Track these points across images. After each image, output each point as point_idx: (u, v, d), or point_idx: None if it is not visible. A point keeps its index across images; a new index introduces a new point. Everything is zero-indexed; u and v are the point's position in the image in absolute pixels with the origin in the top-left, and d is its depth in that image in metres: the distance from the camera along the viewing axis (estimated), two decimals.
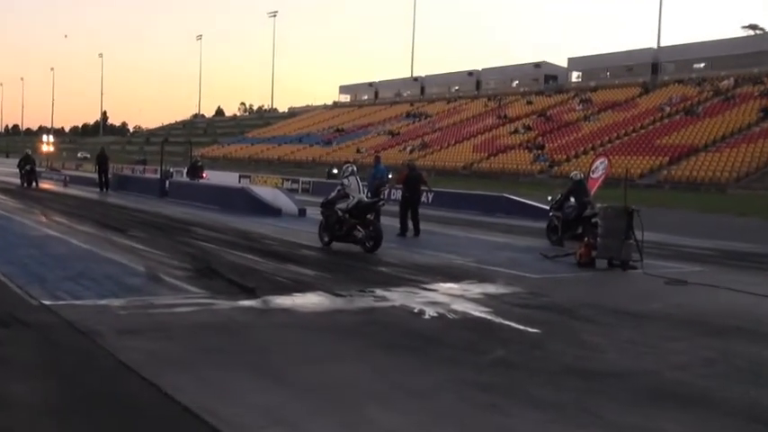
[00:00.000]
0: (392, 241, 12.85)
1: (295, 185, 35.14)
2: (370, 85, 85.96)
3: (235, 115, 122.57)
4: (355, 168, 12.40)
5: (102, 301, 6.73)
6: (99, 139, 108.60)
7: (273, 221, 16.57)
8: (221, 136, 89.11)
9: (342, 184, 11.97)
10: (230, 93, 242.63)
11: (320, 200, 12.67)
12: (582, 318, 6.95)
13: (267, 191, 21.38)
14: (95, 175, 29.10)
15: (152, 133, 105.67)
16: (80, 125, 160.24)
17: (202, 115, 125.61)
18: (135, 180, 31.39)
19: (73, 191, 27.14)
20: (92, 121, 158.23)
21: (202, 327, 5.91)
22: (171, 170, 37.54)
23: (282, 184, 35.62)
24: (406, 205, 14.51)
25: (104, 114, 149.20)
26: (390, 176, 17.04)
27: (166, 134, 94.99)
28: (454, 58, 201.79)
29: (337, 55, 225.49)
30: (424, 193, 16.41)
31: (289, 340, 5.63)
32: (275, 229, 14.70)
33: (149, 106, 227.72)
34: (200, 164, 31.88)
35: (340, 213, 11.62)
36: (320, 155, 62.36)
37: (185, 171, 32.34)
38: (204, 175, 31.20)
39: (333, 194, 12.00)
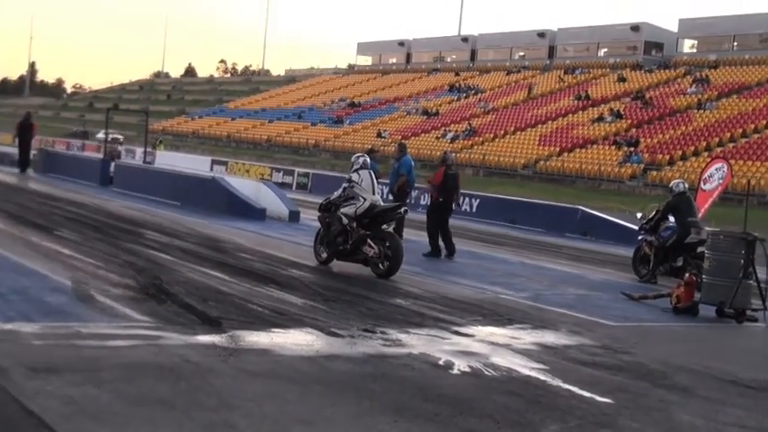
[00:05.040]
0: (416, 263, 12.87)
1: (288, 179, 35.46)
2: (401, 44, 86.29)
3: (211, 77, 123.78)
4: (368, 160, 12.44)
5: (9, 326, 6.79)
6: (25, 101, 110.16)
7: (254, 227, 16.69)
8: (191, 104, 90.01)
9: (349, 180, 12.02)
10: (207, 46, 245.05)
11: (321, 201, 12.71)
12: (673, 386, 6.92)
13: (248, 184, 21.57)
14: (15, 150, 29.21)
15: (97, 96, 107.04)
16: None
17: (167, 74, 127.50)
18: (68, 160, 31.74)
19: None
20: (15, 76, 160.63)
21: (144, 369, 5.95)
22: (119, 149, 38.17)
23: (271, 175, 35.96)
24: (439, 215, 14.52)
25: (32, 67, 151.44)
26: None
27: (117, 98, 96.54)
28: (520, 13, 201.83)
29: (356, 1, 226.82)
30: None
31: (261, 395, 5.66)
32: (256, 238, 14.78)
33: (95, 59, 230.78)
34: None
35: (345, 221, 11.67)
36: (326, 138, 62.69)
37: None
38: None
39: (336, 194, 12.06)
